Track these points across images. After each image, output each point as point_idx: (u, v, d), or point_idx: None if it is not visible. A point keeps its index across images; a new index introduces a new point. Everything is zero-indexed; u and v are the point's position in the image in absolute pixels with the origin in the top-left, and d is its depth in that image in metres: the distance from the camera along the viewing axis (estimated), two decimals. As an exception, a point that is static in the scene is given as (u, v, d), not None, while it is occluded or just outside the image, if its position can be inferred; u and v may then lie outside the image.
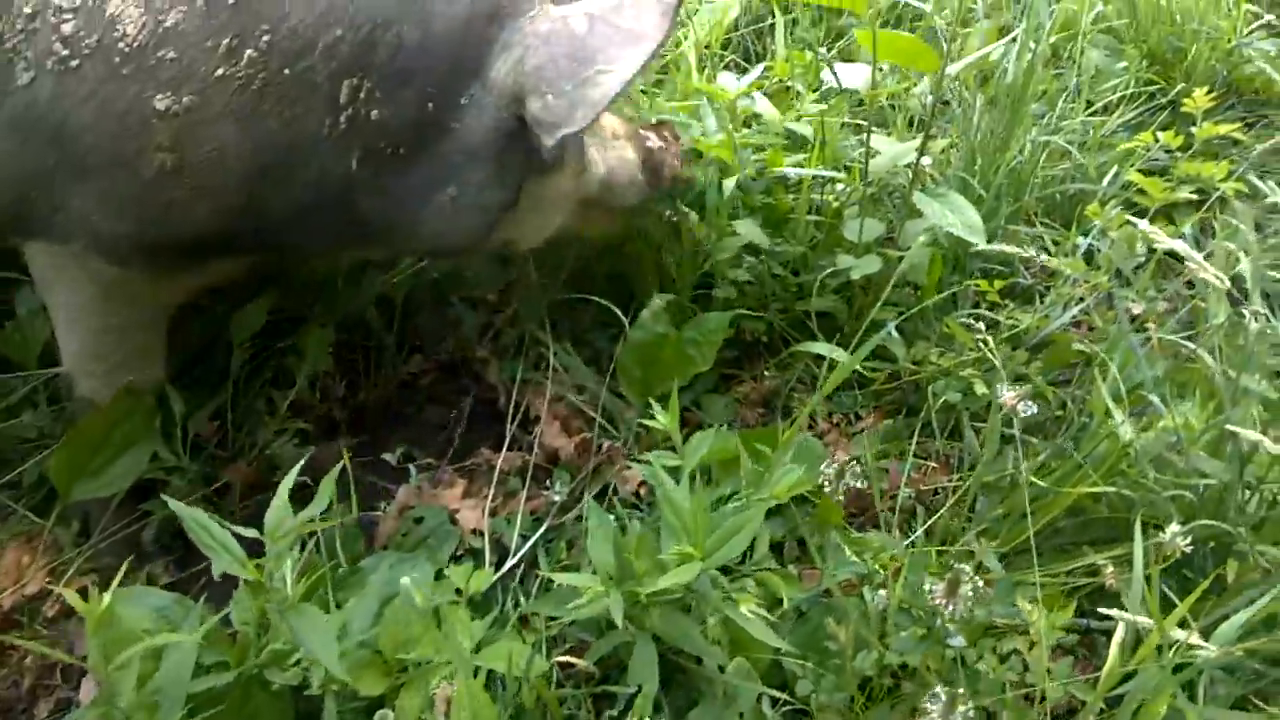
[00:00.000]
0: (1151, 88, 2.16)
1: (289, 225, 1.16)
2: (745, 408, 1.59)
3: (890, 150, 1.51)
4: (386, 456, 1.48)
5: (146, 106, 1.02)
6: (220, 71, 1.02)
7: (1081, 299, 1.54)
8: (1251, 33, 2.15)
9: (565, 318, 1.58)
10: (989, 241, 1.75)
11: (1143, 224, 1.20)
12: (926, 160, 1.66)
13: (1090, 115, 2.11)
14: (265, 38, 1.02)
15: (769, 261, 1.59)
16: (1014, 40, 1.80)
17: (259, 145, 1.06)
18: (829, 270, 1.50)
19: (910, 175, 1.51)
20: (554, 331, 1.54)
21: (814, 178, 1.59)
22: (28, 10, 1.02)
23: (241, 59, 1.02)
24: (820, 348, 1.41)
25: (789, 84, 1.85)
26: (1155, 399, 1.15)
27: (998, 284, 1.52)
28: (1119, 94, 2.14)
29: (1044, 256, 1.80)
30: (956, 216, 1.39)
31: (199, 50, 1.01)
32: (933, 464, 1.48)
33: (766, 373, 1.58)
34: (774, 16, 1.96)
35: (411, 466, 1.45)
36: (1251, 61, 2.18)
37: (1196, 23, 2.16)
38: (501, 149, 1.15)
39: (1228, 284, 1.07)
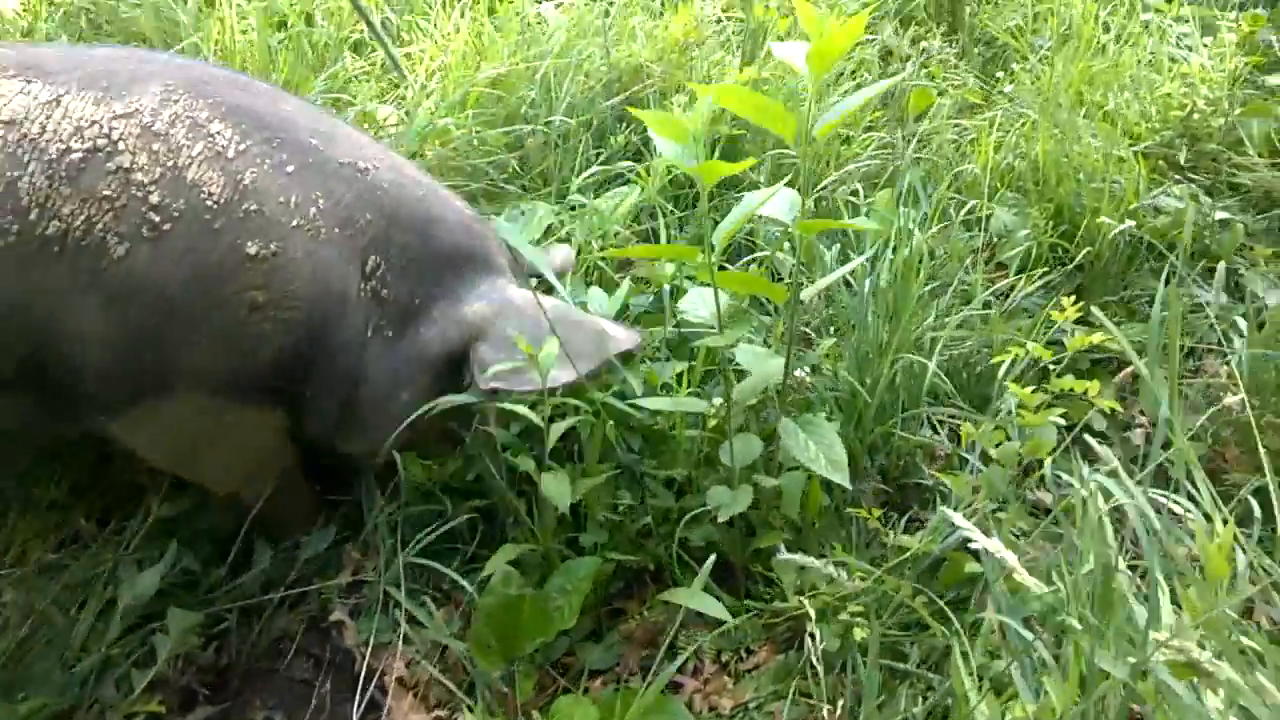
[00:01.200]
0: (1062, 244, 2.13)
1: (325, 372, 1.35)
2: (629, 649, 1.50)
3: (758, 371, 1.45)
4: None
5: (239, 253, 1.23)
6: (294, 222, 1.26)
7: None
8: (1157, 194, 2.12)
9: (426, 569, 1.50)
10: (887, 440, 1.70)
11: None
12: (802, 372, 1.61)
13: (996, 274, 2.08)
14: (321, 201, 1.29)
15: (647, 488, 1.52)
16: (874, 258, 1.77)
17: (324, 288, 1.29)
18: (703, 506, 1.43)
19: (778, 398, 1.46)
20: (418, 582, 1.47)
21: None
22: (108, 193, 1.19)
23: (307, 213, 1.27)
24: (685, 595, 1.32)
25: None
26: (1018, 676, 1.05)
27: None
28: (1026, 252, 2.12)
29: (937, 461, 1.75)
30: (820, 450, 1.33)
31: (275, 202, 1.25)
32: (825, 707, 1.38)
33: (648, 611, 1.50)
34: (663, 217, 1.94)
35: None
36: (1161, 214, 2.14)
37: (1100, 180, 2.13)
38: (439, 369, 1.38)
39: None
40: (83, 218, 1.18)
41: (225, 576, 1.56)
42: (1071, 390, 1.35)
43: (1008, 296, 1.98)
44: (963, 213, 2.23)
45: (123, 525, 1.55)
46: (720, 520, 1.35)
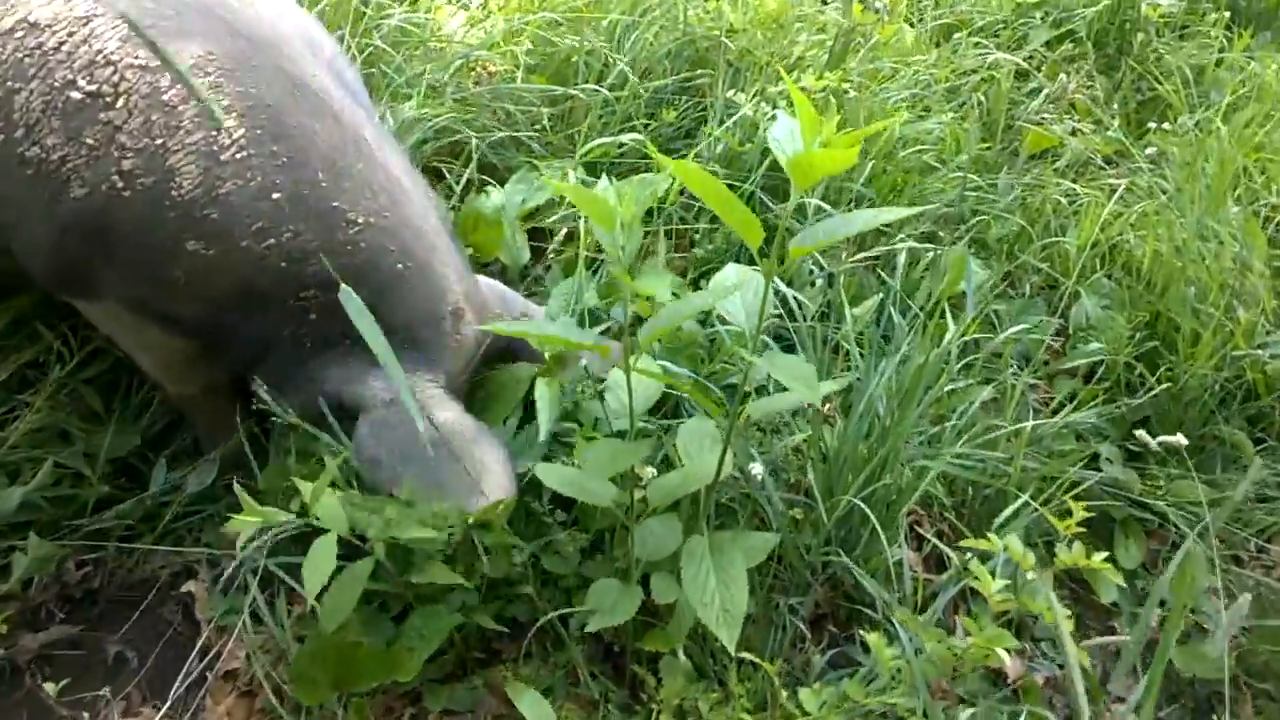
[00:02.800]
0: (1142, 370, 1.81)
1: (236, 339, 1.36)
2: (491, 697, 1.38)
3: (691, 465, 1.26)
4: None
5: (180, 245, 1.22)
6: (244, 244, 1.23)
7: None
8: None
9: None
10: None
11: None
12: (758, 468, 1.40)
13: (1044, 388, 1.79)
14: (284, 237, 1.25)
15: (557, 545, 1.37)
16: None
17: (245, 292, 1.28)
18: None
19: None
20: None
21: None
22: (90, 141, 1.18)
23: (263, 242, 1.24)
24: (525, 702, 1.18)
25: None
26: None
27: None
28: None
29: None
30: (718, 593, 1.13)
31: (238, 222, 1.22)
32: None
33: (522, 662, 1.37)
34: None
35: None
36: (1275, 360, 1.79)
37: (1213, 306, 1.78)
38: (327, 402, 1.36)
39: None
40: (60, 154, 1.19)
41: (109, 499, 1.50)
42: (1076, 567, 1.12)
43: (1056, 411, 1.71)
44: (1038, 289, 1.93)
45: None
46: (589, 630, 1.20)
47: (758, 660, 1.24)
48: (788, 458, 1.45)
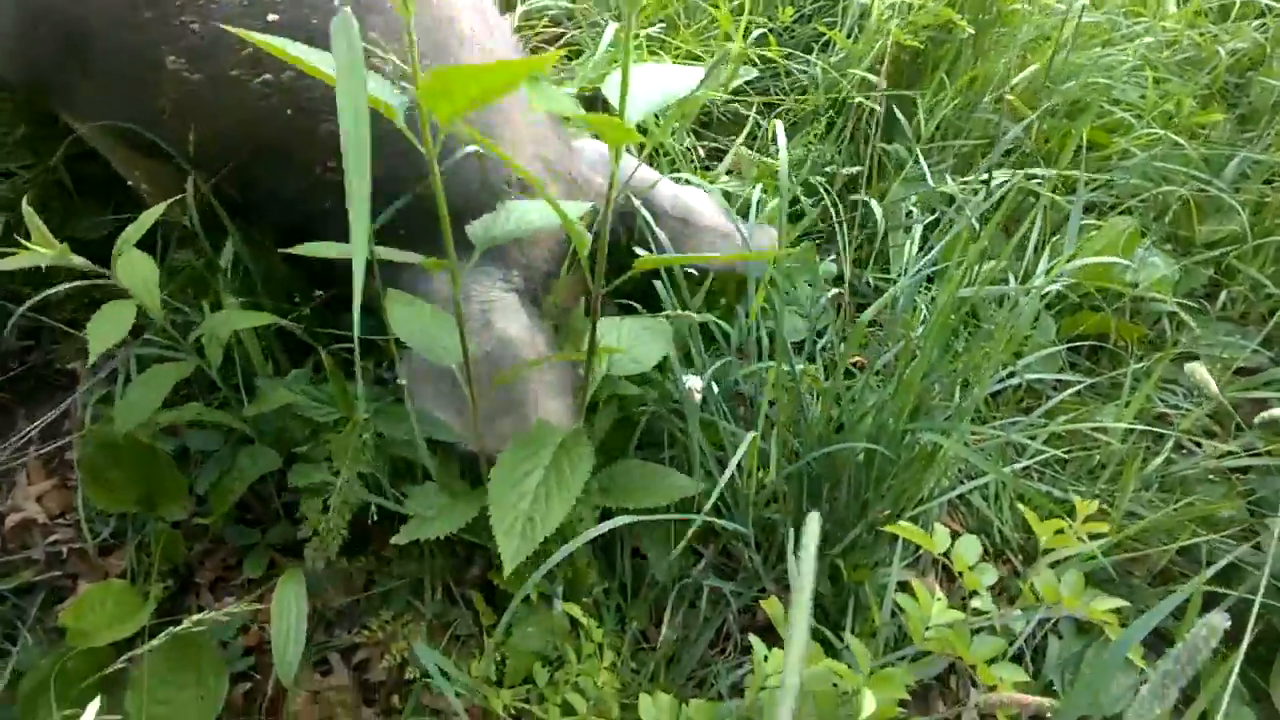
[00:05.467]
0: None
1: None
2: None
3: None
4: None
5: (160, 59, 1.00)
6: (237, 74, 0.99)
7: None
8: None
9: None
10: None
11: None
12: (692, 379, 1.06)
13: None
14: (288, 76, 0.98)
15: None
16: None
17: (268, 148, 1.04)
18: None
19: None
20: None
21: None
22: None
23: (260, 77, 0.98)
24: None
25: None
26: None
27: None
28: None
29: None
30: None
31: (222, 40, 0.97)
32: None
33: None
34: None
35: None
36: None
37: None
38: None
39: None
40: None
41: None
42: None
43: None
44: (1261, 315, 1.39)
45: None
46: (394, 541, 0.93)
47: (582, 621, 0.91)
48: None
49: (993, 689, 0.70)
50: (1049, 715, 0.60)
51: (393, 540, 0.94)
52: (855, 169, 1.43)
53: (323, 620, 1.12)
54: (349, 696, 1.05)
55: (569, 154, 1.14)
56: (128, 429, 0.99)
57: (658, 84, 0.70)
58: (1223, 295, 1.45)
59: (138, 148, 1.13)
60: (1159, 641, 1.15)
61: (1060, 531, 0.78)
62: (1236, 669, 0.67)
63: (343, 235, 1.05)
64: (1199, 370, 0.78)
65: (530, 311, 1.06)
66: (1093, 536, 0.86)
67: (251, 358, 1.06)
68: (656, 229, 1.10)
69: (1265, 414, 0.72)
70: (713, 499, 0.92)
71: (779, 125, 1.03)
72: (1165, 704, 0.44)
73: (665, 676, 1.05)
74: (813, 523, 0.43)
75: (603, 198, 1.12)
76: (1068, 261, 1.18)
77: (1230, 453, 1.15)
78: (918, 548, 1.13)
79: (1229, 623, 0.43)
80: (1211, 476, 1.16)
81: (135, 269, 0.95)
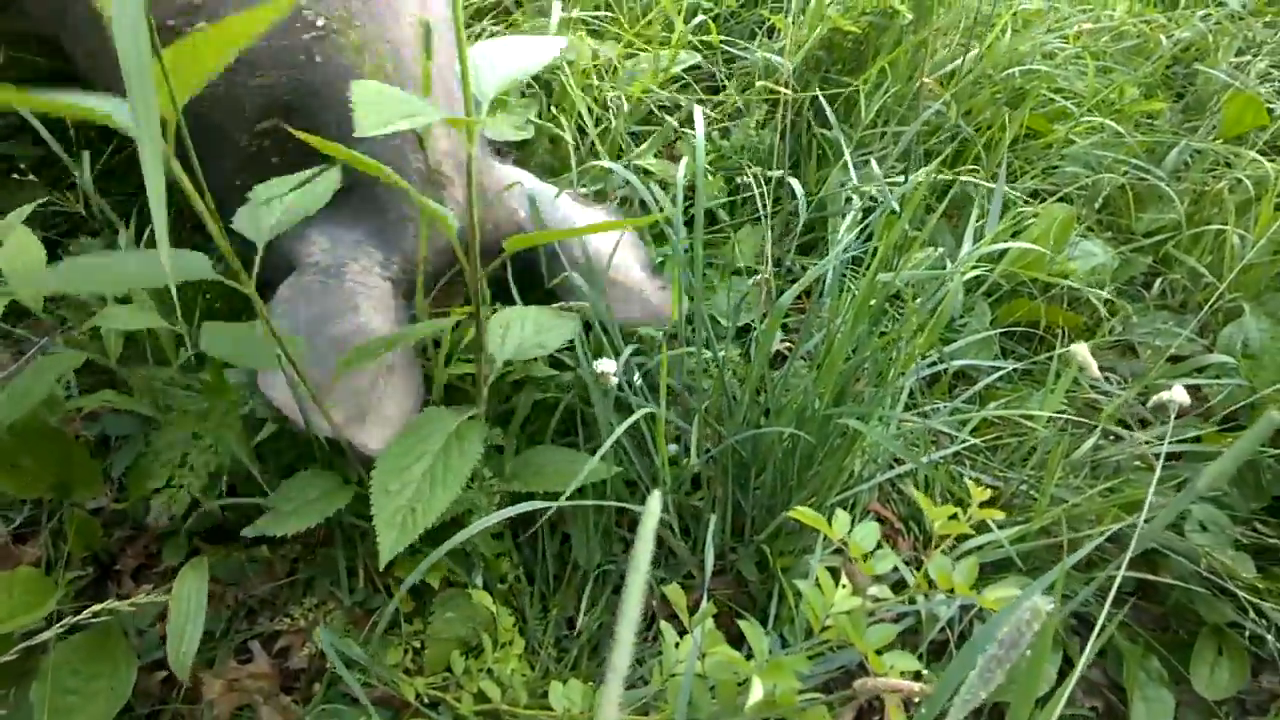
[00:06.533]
0: None
1: None
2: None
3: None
4: None
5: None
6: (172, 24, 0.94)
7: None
8: None
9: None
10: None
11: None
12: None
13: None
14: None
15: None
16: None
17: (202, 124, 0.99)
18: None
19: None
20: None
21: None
22: None
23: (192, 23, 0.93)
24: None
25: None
26: None
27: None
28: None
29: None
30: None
31: None
32: None
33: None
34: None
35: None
36: None
37: None
38: None
39: None
40: None
41: None
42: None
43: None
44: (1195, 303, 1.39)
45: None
46: (245, 533, 0.92)
47: (492, 609, 0.90)
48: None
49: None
50: (918, 700, 0.60)
51: (242, 533, 0.92)
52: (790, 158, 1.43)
53: (244, 608, 1.11)
54: (267, 684, 1.03)
55: (482, 155, 1.10)
56: (9, 421, 0.98)
57: (508, 59, 0.69)
58: (1159, 284, 1.46)
59: None
60: (1084, 627, 1.16)
61: (954, 517, 0.78)
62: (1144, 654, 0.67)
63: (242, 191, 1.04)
64: (1081, 351, 0.78)
65: (400, 306, 1.04)
66: (990, 522, 0.85)
67: (164, 345, 1.04)
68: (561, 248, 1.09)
69: (1157, 397, 0.72)
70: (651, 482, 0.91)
71: (697, 110, 1.02)
72: (989, 687, 0.44)
73: (588, 663, 1.04)
74: (653, 502, 0.42)
75: (512, 220, 1.10)
76: (990, 245, 1.17)
77: (1158, 439, 1.15)
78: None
79: (1051, 605, 0.43)
80: (1138, 463, 1.16)
81: (20, 255, 0.93)
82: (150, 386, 1.04)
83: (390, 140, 1.01)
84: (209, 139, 1.01)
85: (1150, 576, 1.10)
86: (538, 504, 0.83)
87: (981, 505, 0.75)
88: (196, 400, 1.02)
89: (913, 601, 0.79)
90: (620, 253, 1.15)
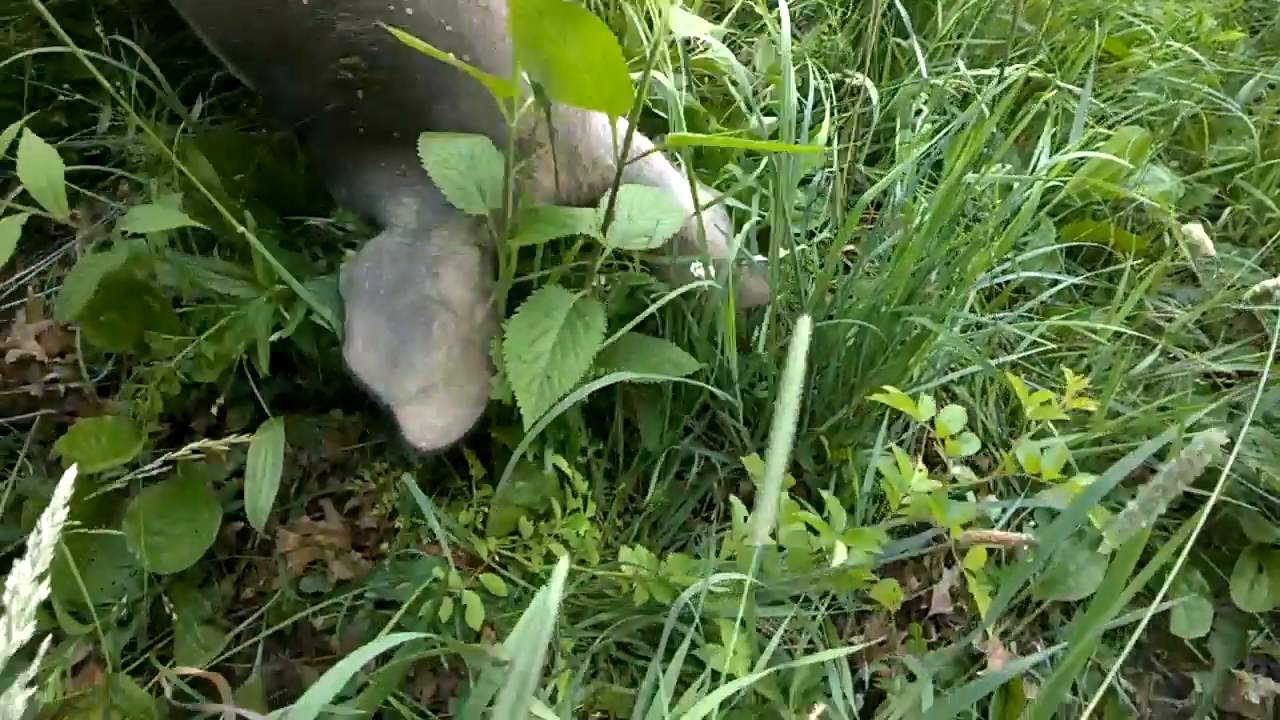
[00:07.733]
0: None
1: None
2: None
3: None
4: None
5: None
6: None
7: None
8: None
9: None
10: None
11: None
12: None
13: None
14: None
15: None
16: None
17: (279, 39, 0.98)
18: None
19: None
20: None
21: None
22: None
23: None
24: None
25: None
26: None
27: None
28: None
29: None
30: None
31: None
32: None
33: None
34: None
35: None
36: None
37: None
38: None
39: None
40: None
41: None
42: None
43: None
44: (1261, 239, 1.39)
45: None
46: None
47: (569, 473, 0.93)
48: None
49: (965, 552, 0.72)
50: (1026, 548, 0.63)
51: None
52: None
53: (317, 470, 1.14)
54: (339, 540, 1.07)
55: (579, 124, 1.05)
56: (69, 318, 0.99)
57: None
58: (1225, 214, 1.45)
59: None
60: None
61: (1047, 403, 0.80)
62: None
63: (338, 136, 1.04)
64: (1196, 230, 0.78)
65: (485, 272, 1.01)
66: (1049, 425, 0.87)
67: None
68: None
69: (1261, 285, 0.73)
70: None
71: (783, 4, 1.01)
72: (1150, 518, 0.46)
73: (649, 538, 1.08)
74: (803, 326, 0.43)
75: (606, 180, 1.07)
76: (1075, 152, 1.17)
77: (1216, 359, 1.17)
78: (903, 429, 1.16)
79: (1226, 439, 0.44)
80: (1198, 381, 1.17)
81: (36, 162, 0.92)
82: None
83: (479, 103, 1.00)
84: (286, 49, 0.98)
85: (1200, 491, 1.12)
86: (626, 375, 0.86)
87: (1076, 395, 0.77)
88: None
89: (994, 488, 0.81)
90: (710, 230, 1.13)
